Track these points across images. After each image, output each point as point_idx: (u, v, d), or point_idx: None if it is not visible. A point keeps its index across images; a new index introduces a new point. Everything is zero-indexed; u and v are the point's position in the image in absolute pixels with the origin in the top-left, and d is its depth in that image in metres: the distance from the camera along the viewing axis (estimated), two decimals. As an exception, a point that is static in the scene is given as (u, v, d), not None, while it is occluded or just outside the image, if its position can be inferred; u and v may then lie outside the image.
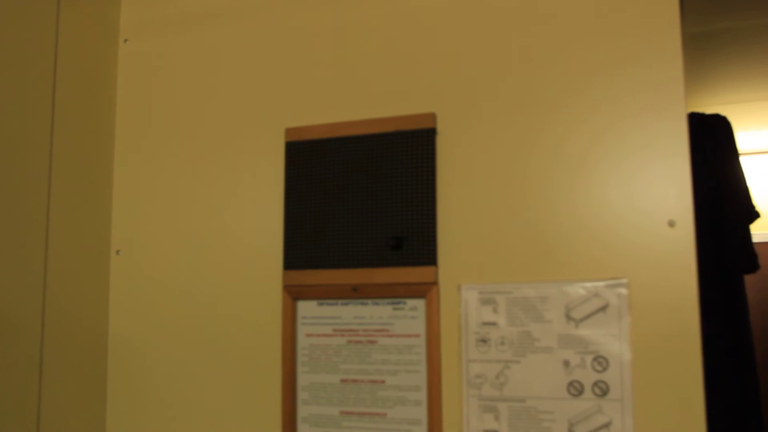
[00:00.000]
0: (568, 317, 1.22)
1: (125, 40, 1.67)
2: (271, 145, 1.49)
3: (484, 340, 1.27)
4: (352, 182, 1.38)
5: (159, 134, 1.60)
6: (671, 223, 1.19)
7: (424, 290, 1.31)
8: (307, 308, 1.40)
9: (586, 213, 1.24)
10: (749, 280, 3.82)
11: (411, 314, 1.33)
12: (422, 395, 1.30)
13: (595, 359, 1.20)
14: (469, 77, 1.35)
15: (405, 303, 1.33)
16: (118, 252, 1.60)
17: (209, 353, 1.48)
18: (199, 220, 1.53)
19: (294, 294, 1.40)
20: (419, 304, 1.32)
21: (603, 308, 1.21)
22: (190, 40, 1.60)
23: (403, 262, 1.33)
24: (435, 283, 1.31)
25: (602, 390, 1.19)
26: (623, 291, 1.20)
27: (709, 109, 2.20)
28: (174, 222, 1.55)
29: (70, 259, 1.49)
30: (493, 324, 1.27)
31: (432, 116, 1.35)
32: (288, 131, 1.45)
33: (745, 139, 3.38)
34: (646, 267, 1.19)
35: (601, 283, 1.21)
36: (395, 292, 1.33)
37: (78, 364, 1.49)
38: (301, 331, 1.40)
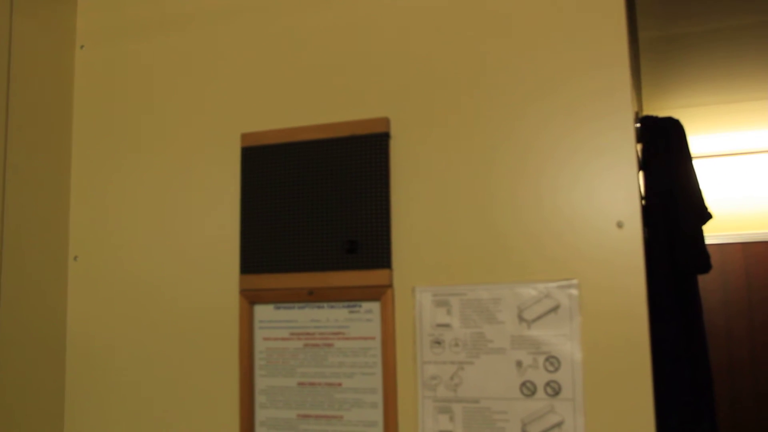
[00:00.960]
0: (521, 318, 1.24)
1: (81, 47, 1.66)
2: (227, 151, 1.49)
3: (438, 342, 1.28)
4: (308, 186, 1.39)
5: (116, 140, 1.59)
6: (620, 225, 1.21)
7: (379, 293, 1.32)
8: (264, 312, 1.40)
9: (537, 215, 1.26)
10: (713, 281, 3.89)
11: (366, 317, 1.33)
12: (378, 397, 1.31)
13: (547, 359, 1.22)
14: (423, 82, 1.36)
15: (360, 306, 1.34)
16: (75, 258, 1.58)
17: (167, 358, 1.47)
18: (156, 224, 1.52)
19: (251, 298, 1.40)
20: (374, 306, 1.33)
21: (554, 309, 1.22)
22: (146, 46, 1.59)
23: (358, 265, 1.33)
24: (389, 285, 1.32)
25: (554, 390, 1.21)
26: (574, 292, 1.22)
27: (666, 113, 2.24)
28: (131, 227, 1.54)
29: (26, 265, 1.47)
30: (447, 326, 1.28)
31: (385, 120, 1.36)
32: (244, 136, 1.45)
33: (700, 142, 3.44)
34: (596, 268, 1.21)
35: (553, 284, 1.23)
36: (351, 296, 1.34)
37: (36, 370, 1.48)
38: (259, 335, 1.40)
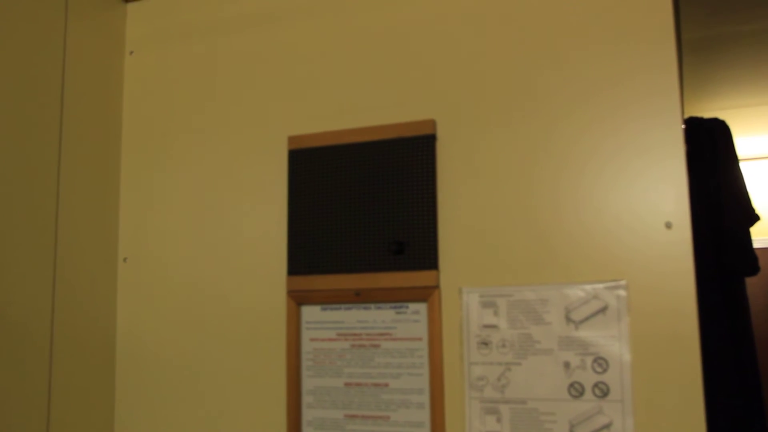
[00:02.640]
0: (568, 319, 1.24)
1: (131, 52, 1.70)
2: (275, 153, 1.51)
3: (485, 343, 1.29)
4: (354, 188, 1.40)
5: (165, 144, 1.62)
6: (668, 225, 1.20)
7: (426, 294, 1.33)
8: (311, 313, 1.42)
9: (585, 216, 1.26)
10: (756, 285, 3.83)
11: (413, 318, 1.34)
12: (425, 398, 1.32)
13: (595, 360, 1.22)
14: (469, 84, 1.37)
15: (407, 307, 1.35)
16: (125, 260, 1.62)
17: (215, 359, 1.50)
18: (204, 227, 1.55)
19: (298, 299, 1.42)
20: (421, 307, 1.34)
21: (602, 310, 1.22)
22: (194, 51, 1.63)
23: (405, 266, 1.35)
24: (436, 286, 1.33)
25: (602, 391, 1.21)
26: (622, 293, 1.21)
27: (708, 115, 2.21)
28: (179, 230, 1.57)
29: (78, 266, 1.51)
30: (494, 327, 1.28)
31: (431, 123, 1.37)
32: (291, 139, 1.48)
33: (744, 144, 3.39)
34: (644, 269, 1.21)
35: (600, 285, 1.23)
36: (397, 296, 1.35)
37: (87, 372, 1.51)
38: (306, 335, 1.42)
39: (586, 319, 1.23)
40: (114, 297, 1.61)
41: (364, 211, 1.39)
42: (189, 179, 1.58)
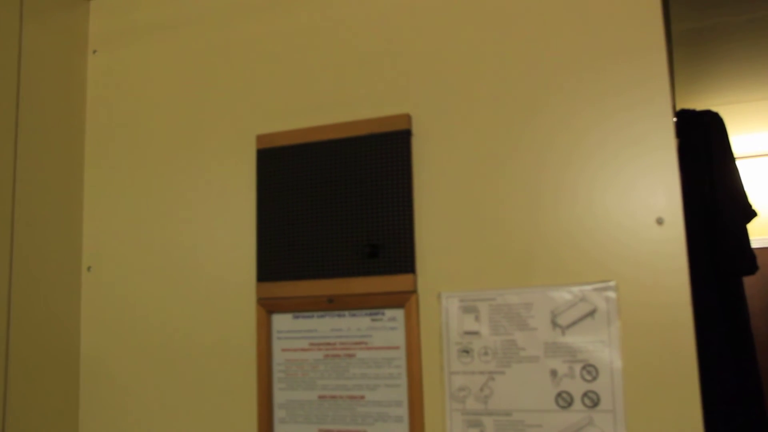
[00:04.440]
0: (555, 324, 1.15)
1: (94, 51, 1.62)
2: (243, 153, 1.43)
3: (466, 351, 1.20)
4: (326, 189, 1.32)
5: (129, 147, 1.54)
6: (659, 221, 1.12)
7: (403, 299, 1.24)
8: (282, 322, 1.34)
9: (571, 214, 1.17)
10: (755, 285, 3.74)
11: (390, 325, 1.26)
12: (403, 411, 1.23)
13: (584, 368, 1.13)
14: (445, 76, 1.29)
15: (383, 314, 1.27)
16: (89, 268, 1.53)
17: (183, 371, 1.41)
18: (170, 232, 1.46)
19: (268, 307, 1.34)
20: (398, 314, 1.25)
21: (591, 313, 1.14)
22: (158, 49, 1.55)
23: (379, 270, 1.26)
24: (413, 291, 1.24)
25: (592, 401, 1.12)
26: (611, 294, 1.13)
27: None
28: (145, 236, 1.49)
29: (38, 275, 1.42)
30: (476, 333, 1.20)
31: (406, 117, 1.29)
32: (259, 138, 1.39)
33: (739, 142, 3.30)
34: (634, 268, 1.13)
35: (588, 287, 1.14)
36: (373, 303, 1.26)
37: (48, 382, 1.42)
38: (277, 345, 1.33)
39: (574, 323, 1.14)
40: (78, 306, 1.52)
41: (336, 212, 1.31)
42: (155, 183, 1.50)
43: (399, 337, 1.25)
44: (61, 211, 1.50)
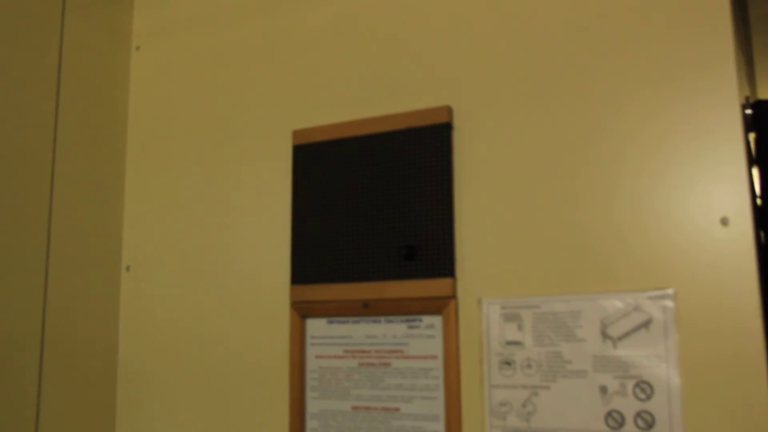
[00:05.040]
0: (605, 335, 1.04)
1: (137, 48, 1.59)
2: (279, 150, 1.37)
3: (508, 363, 1.10)
4: (362, 186, 1.25)
5: (169, 146, 1.50)
6: (724, 221, 1.00)
7: (441, 305, 1.16)
8: (316, 327, 1.27)
9: (625, 213, 1.06)
10: None
11: (427, 333, 1.17)
12: (440, 426, 1.14)
13: (637, 385, 1.02)
14: (490, 66, 1.20)
15: (421, 320, 1.18)
16: (128, 268, 1.51)
17: (215, 376, 1.36)
18: (207, 231, 1.42)
19: (302, 311, 1.27)
20: (436, 321, 1.17)
21: (645, 324, 1.02)
22: (198, 45, 1.51)
23: (417, 274, 1.18)
24: (452, 297, 1.15)
25: (646, 422, 1.01)
26: (669, 303, 1.01)
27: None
28: (183, 235, 1.45)
29: (77, 274, 1.40)
30: (519, 343, 1.10)
31: (447, 110, 1.20)
32: (295, 134, 1.33)
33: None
34: (696, 274, 1.00)
35: (643, 295, 1.03)
36: (409, 308, 1.18)
37: (86, 382, 1.40)
38: (311, 352, 1.27)
39: (626, 335, 1.03)
40: (117, 306, 1.50)
41: (372, 211, 1.23)
42: (193, 180, 1.46)
43: (437, 346, 1.16)
44: (102, 210, 1.48)
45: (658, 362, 1.01)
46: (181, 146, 1.49)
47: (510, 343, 1.11)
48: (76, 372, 1.39)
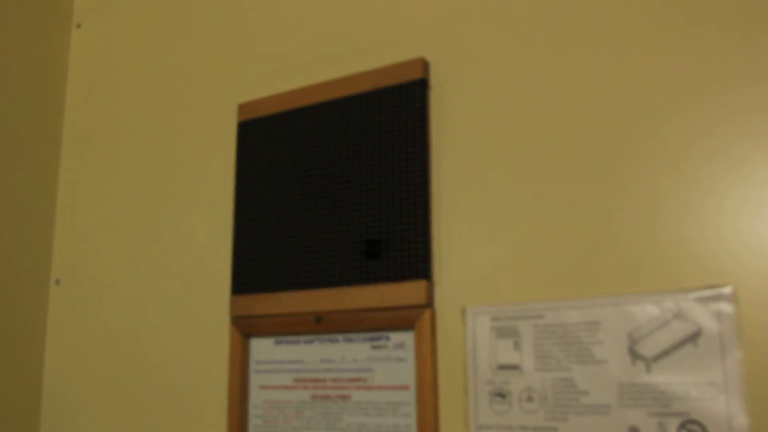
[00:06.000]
0: (634, 354, 0.74)
1: (78, 25, 1.36)
2: (225, 129, 1.11)
3: (501, 395, 0.80)
4: (317, 167, 0.97)
5: (106, 139, 1.26)
6: (805, 186, 0.69)
7: (412, 318, 0.86)
8: (261, 348, 0.99)
9: (657, 187, 0.76)
10: None
11: (396, 354, 0.88)
12: (412, 481, 0.84)
13: (683, 426, 0.70)
14: (480, 8, 0.91)
15: (387, 338, 0.89)
16: (57, 281, 1.25)
17: (148, 405, 1.09)
18: (146, 235, 1.16)
19: (245, 328, 0.99)
20: (407, 339, 0.87)
21: (692, 338, 0.71)
22: (138, 18, 1.26)
23: (382, 276, 0.89)
24: (427, 305, 0.86)
25: (698, 480, 0.69)
26: (726, 307, 0.70)
27: None
28: (119, 241, 1.19)
29: (1, 287, 1.16)
30: (515, 368, 0.80)
31: (421, 63, 0.92)
32: (241, 108, 1.07)
33: None
34: (763, 266, 0.70)
35: (687, 296, 0.72)
36: (373, 323, 0.89)
37: (6, 403, 1.14)
38: (255, 380, 0.98)
39: (665, 353, 0.72)
40: (44, 322, 1.24)
41: (328, 198, 0.95)
42: (132, 177, 1.20)
43: (408, 373, 0.87)
44: (33, 213, 1.23)
45: (712, 393, 0.69)
46: (119, 138, 1.24)
47: (504, 367, 0.80)
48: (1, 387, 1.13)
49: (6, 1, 1.24)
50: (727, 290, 0.71)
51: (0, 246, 1.18)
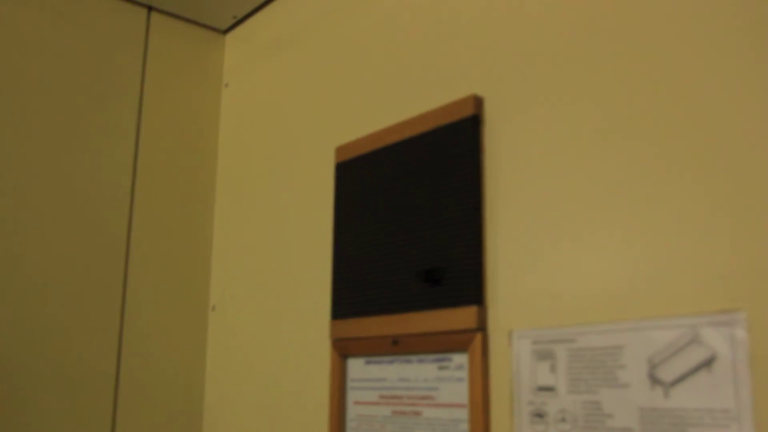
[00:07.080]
0: (654, 379, 0.75)
1: (226, 85, 1.58)
2: (323, 169, 1.24)
3: (539, 415, 0.84)
4: (392, 202, 1.07)
5: (253, 182, 1.45)
6: (807, 207, 0.66)
7: (466, 341, 0.93)
8: (356, 368, 1.10)
9: (679, 213, 0.76)
10: None
11: (457, 375, 0.95)
12: (469, 493, 0.90)
13: (702, 451, 0.70)
14: (532, 43, 0.96)
15: (450, 359, 0.96)
16: (213, 308, 1.47)
17: (273, 416, 1.25)
18: (280, 266, 1.33)
19: (342, 350, 1.11)
20: (465, 360, 0.94)
21: (706, 363, 0.71)
22: (268, 79, 1.45)
23: (442, 302, 0.96)
24: (479, 329, 0.92)
25: (715, 507, 0.69)
26: (740, 333, 0.69)
27: None
28: (264, 273, 1.37)
29: (162, 313, 1.39)
30: (551, 389, 0.83)
31: (473, 100, 0.98)
32: (338, 150, 1.19)
33: None
34: (779, 289, 0.68)
35: (702, 320, 0.72)
36: (437, 345, 0.97)
37: (171, 423, 1.37)
38: (351, 397, 1.10)
39: (681, 378, 0.72)
40: (204, 347, 1.46)
41: (399, 229, 1.04)
42: (273, 216, 1.38)
43: (466, 392, 0.93)
44: (192, 245, 1.47)
45: (725, 420, 0.69)
46: (258, 181, 1.43)
47: (542, 389, 0.84)
48: (158, 414, 1.36)
49: (166, 67, 1.48)
50: (741, 315, 0.69)
51: (166, 276, 1.41)
